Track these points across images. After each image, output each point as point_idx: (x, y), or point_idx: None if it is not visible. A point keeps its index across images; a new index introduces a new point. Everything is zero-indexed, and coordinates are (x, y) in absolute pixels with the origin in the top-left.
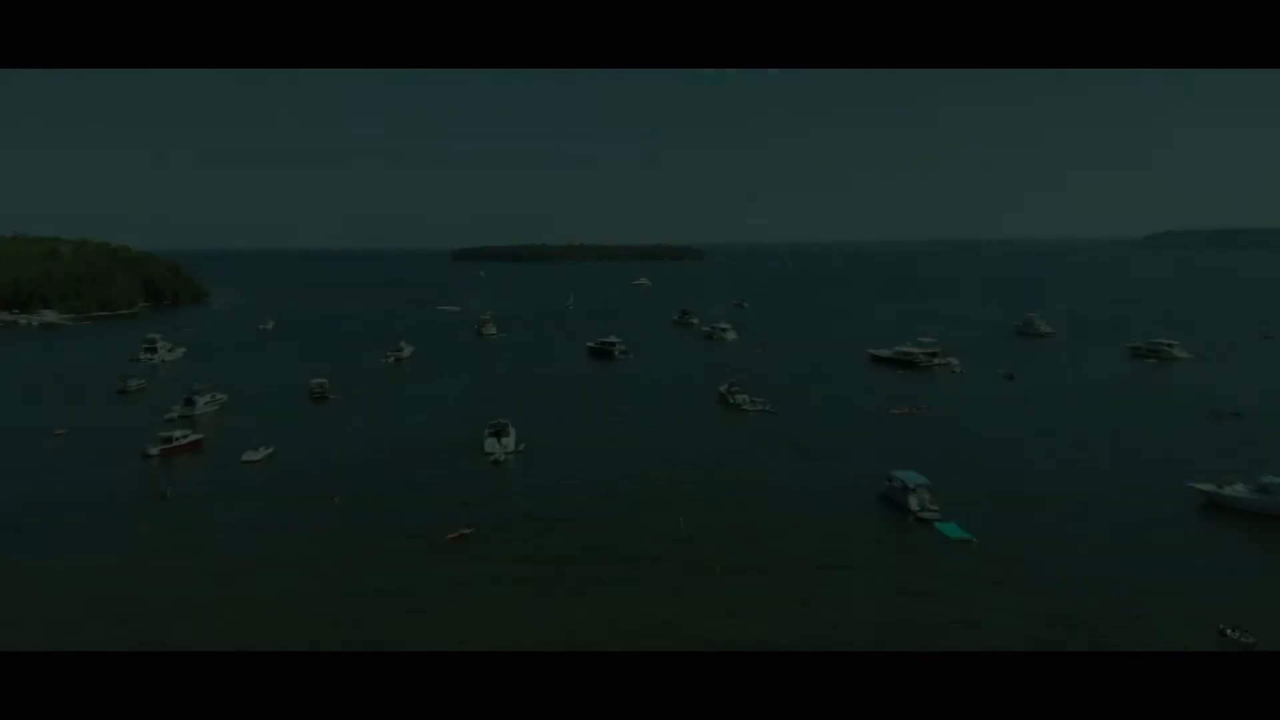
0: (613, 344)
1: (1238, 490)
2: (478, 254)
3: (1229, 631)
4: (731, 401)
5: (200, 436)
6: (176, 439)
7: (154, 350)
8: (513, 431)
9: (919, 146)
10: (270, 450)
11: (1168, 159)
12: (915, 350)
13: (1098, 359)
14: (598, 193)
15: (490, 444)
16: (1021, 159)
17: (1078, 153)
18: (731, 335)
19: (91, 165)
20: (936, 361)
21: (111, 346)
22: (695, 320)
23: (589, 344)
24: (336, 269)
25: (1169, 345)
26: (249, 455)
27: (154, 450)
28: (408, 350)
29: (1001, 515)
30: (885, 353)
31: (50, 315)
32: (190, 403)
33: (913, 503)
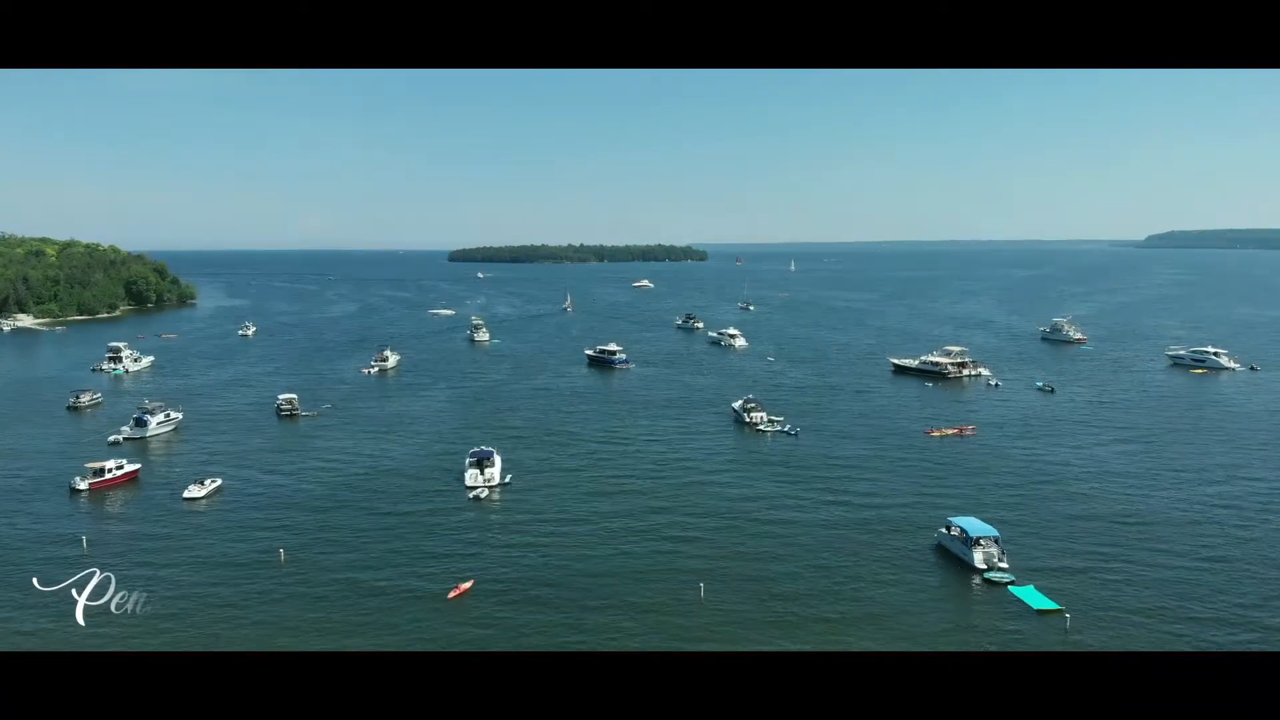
0: (613, 353)
1: None
2: (476, 255)
3: None
4: (747, 420)
5: (137, 467)
6: (110, 470)
7: (118, 359)
8: (498, 460)
9: (917, 143)
10: (217, 484)
11: (1168, 159)
12: (943, 360)
13: (1140, 369)
14: (597, 193)
15: (471, 475)
16: (1021, 159)
17: (1076, 153)
18: (741, 342)
19: (93, 165)
20: (967, 373)
21: (80, 354)
22: (700, 325)
23: (588, 352)
24: (335, 269)
25: (1215, 353)
26: (191, 491)
27: (83, 485)
28: (393, 359)
29: (1083, 574)
30: (910, 362)
31: (25, 320)
32: (141, 423)
33: (978, 559)
